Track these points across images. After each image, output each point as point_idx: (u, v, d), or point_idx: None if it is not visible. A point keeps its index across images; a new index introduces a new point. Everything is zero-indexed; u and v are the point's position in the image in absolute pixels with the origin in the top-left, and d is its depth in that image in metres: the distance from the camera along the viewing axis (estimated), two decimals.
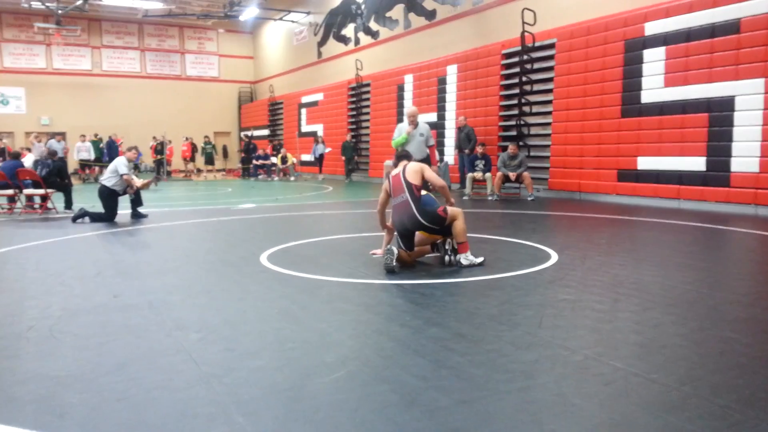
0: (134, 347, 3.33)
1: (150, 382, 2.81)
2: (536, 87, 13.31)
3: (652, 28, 10.74)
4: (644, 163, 10.86)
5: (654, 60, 10.68)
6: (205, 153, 25.60)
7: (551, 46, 12.90)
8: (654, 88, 10.69)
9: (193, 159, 25.46)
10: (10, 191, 10.61)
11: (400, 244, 5.46)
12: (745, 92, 9.32)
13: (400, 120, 17.76)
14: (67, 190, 10.83)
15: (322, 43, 24.29)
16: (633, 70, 11.06)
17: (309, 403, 2.55)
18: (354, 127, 21.09)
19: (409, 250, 5.44)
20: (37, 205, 10.89)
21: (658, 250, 6.33)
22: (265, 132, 27.99)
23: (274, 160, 22.53)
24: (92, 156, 21.60)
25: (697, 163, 10.02)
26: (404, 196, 5.38)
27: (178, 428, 2.34)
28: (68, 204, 10.70)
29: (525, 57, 13.32)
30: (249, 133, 26.24)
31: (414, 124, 8.24)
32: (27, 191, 10.71)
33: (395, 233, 5.60)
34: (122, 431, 2.31)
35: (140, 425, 2.36)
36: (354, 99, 20.94)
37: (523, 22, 13.04)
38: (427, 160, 8.36)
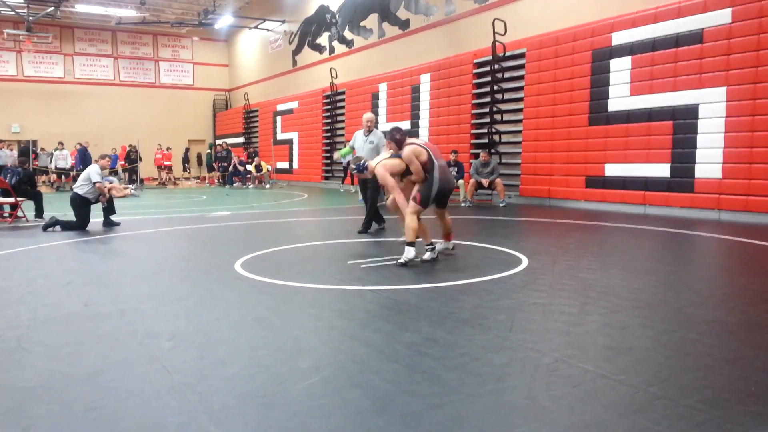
0: (105, 356, 3.29)
1: (121, 392, 2.78)
2: (507, 95, 13.50)
3: (618, 38, 10.99)
4: (611, 169, 11.09)
5: (620, 69, 10.93)
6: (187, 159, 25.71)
7: (521, 55, 13.11)
8: (620, 97, 10.94)
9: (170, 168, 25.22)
10: None
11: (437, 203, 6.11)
12: (708, 100, 9.60)
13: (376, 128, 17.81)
14: (37, 199, 10.62)
15: (297, 51, 24.29)
16: (600, 79, 11.30)
17: (282, 410, 2.56)
18: (329, 134, 21.10)
19: (444, 207, 6.29)
20: (6, 214, 10.65)
21: (626, 255, 6.47)
22: (240, 140, 27.84)
23: (248, 167, 22.43)
24: (68, 164, 21.24)
25: (662, 170, 10.26)
26: (443, 163, 6.06)
27: None
28: (39, 212, 10.49)
29: (496, 66, 13.50)
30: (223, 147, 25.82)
31: (369, 130, 8.30)
32: None
33: (433, 191, 5.92)
34: None
35: None
36: (329, 107, 20.97)
37: (494, 33, 13.23)
38: None
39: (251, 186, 21.63)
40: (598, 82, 11.35)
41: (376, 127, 8.61)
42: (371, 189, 8.21)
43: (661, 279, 5.14)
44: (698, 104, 9.73)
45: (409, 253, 5.74)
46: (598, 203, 11.22)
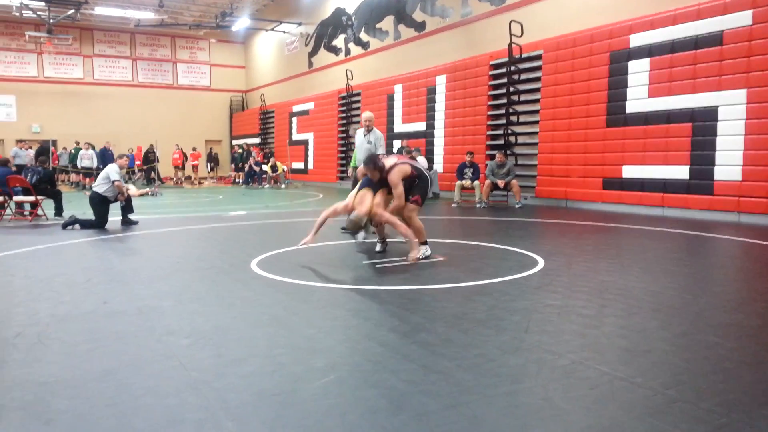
0: (123, 353, 3.32)
1: (139, 388, 2.81)
2: (523, 97, 13.45)
3: (636, 39, 10.90)
4: (629, 171, 10.99)
5: (639, 71, 10.84)
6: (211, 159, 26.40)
7: (538, 57, 13.05)
8: (639, 99, 10.84)
9: (183, 167, 25.56)
10: (0, 198, 10.53)
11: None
12: (727, 102, 9.48)
13: (390, 129, 17.88)
14: (57, 197, 10.78)
15: (313, 53, 24.39)
16: (618, 80, 11.21)
17: (298, 409, 2.57)
18: (344, 135, 21.15)
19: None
20: (27, 212, 10.82)
21: (644, 257, 6.41)
22: (257, 140, 28.01)
23: (264, 167, 22.59)
24: (94, 164, 21.52)
25: (680, 172, 10.15)
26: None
27: None
28: (58, 211, 10.64)
29: (512, 68, 13.46)
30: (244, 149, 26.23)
31: (368, 129, 8.27)
32: (17, 198, 10.64)
33: (429, 190, 6.54)
34: None
35: (129, 431, 2.36)
36: (344, 108, 21.02)
37: (511, 34, 13.19)
38: None
39: (267, 186, 21.75)
40: (615, 84, 11.27)
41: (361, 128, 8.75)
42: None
43: (680, 281, 5.09)
44: (718, 106, 9.62)
45: (426, 251, 6.10)
46: (616, 205, 11.13)
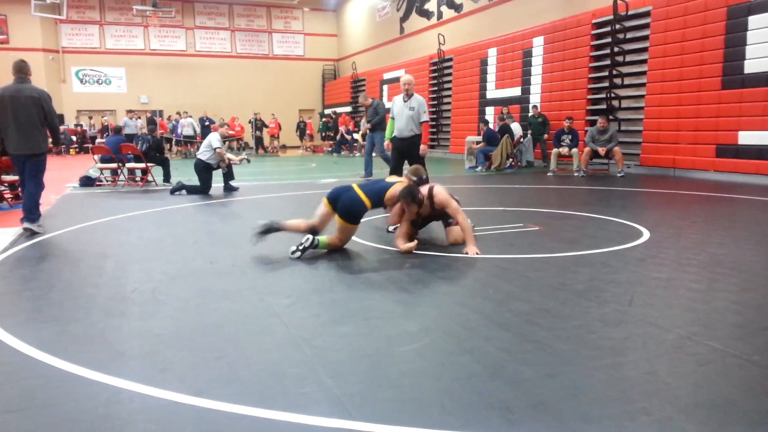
0: (229, 310, 3.51)
1: (244, 342, 2.97)
2: (629, 58, 12.64)
3: None
4: (746, 137, 10.11)
5: (760, 27, 9.85)
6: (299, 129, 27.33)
7: (646, 14, 12.19)
8: (759, 57, 9.88)
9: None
10: (114, 165, 11.35)
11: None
12: None
13: (482, 95, 17.45)
14: (165, 164, 11.48)
15: (404, 18, 24.13)
16: (736, 38, 10.26)
17: (393, 369, 2.61)
18: (435, 102, 20.90)
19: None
20: (138, 178, 11.61)
21: (760, 230, 5.92)
22: (348, 109, 28.32)
23: (355, 136, 22.81)
24: (195, 131, 22.56)
25: None
26: None
27: (271, 385, 2.46)
28: (166, 177, 11.34)
29: (617, 26, 12.66)
30: (331, 112, 26.73)
31: (407, 94, 7.41)
32: (129, 165, 11.42)
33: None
34: (219, 386, 2.45)
35: (236, 381, 2.50)
36: (436, 74, 20.72)
37: None
38: (418, 138, 7.48)
39: (357, 154, 21.99)
40: (733, 42, 10.32)
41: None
42: (415, 159, 7.48)
43: None
44: None
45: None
46: (730, 174, 10.30)
